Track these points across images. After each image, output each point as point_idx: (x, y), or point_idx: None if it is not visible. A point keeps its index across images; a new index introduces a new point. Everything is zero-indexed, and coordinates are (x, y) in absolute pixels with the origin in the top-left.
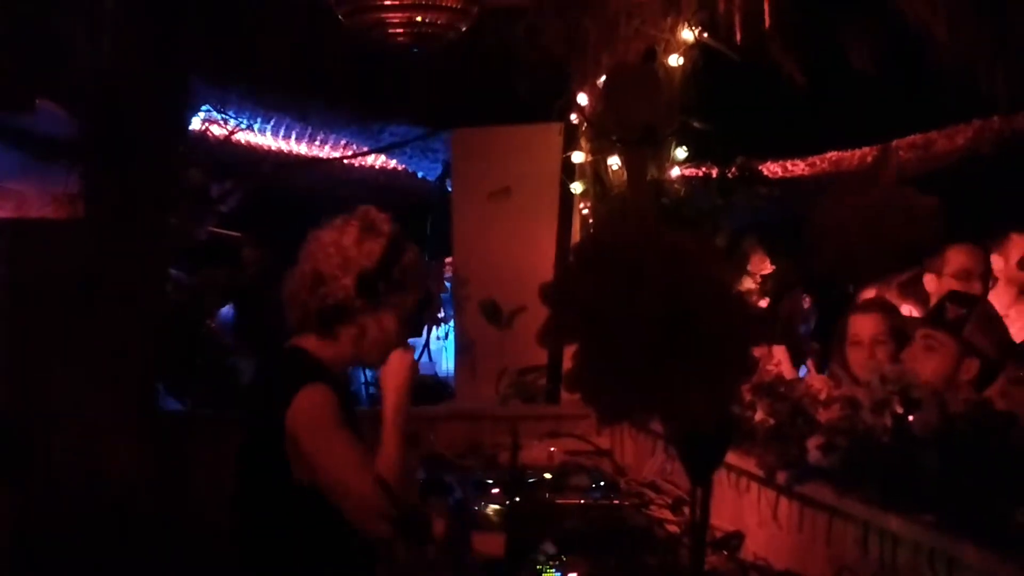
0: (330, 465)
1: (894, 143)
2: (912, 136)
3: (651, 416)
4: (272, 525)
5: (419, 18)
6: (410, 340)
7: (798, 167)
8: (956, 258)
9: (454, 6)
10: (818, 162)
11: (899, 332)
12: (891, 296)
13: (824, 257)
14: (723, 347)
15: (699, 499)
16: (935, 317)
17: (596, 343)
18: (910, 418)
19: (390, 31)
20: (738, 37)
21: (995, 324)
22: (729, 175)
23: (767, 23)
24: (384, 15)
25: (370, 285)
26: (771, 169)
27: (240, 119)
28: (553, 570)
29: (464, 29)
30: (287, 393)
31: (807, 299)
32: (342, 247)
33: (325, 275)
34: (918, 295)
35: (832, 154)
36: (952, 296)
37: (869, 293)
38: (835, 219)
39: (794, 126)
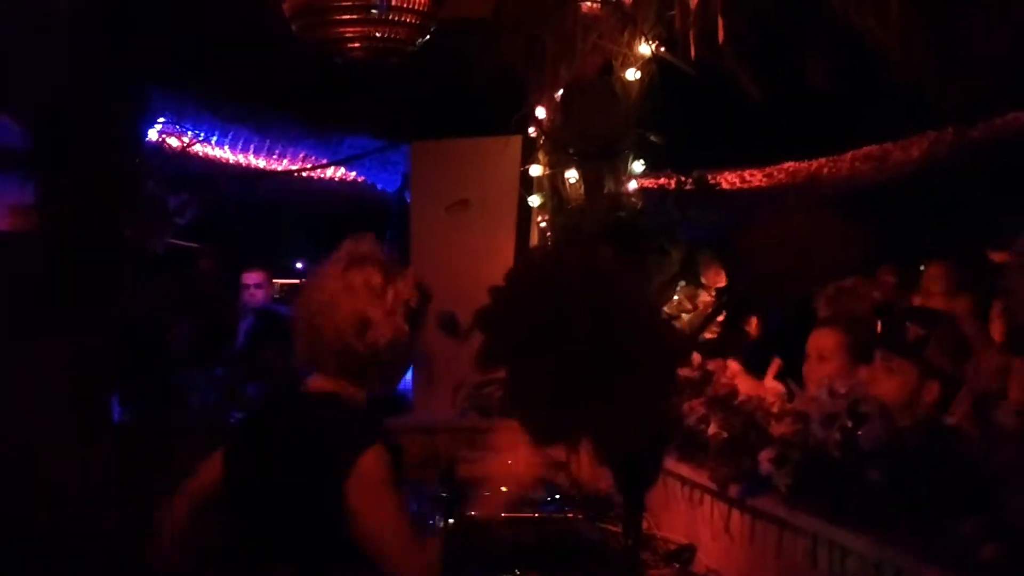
0: (384, 531)
1: (848, 154)
2: (867, 147)
3: (583, 437)
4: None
5: (376, 33)
6: None
7: (755, 177)
8: (935, 275)
9: (411, 21)
10: (775, 172)
11: (859, 348)
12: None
13: (747, 279)
14: (649, 370)
15: (633, 518)
16: (894, 338)
17: (527, 367)
18: (859, 432)
19: (347, 46)
20: (692, 52)
21: (959, 343)
22: (686, 188)
23: (721, 38)
24: (340, 29)
25: (416, 320)
26: (729, 179)
27: (197, 131)
28: None
29: (420, 43)
30: (346, 457)
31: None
32: (377, 288)
33: (372, 320)
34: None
35: (789, 164)
36: (912, 314)
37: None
38: (758, 241)
39: (751, 138)
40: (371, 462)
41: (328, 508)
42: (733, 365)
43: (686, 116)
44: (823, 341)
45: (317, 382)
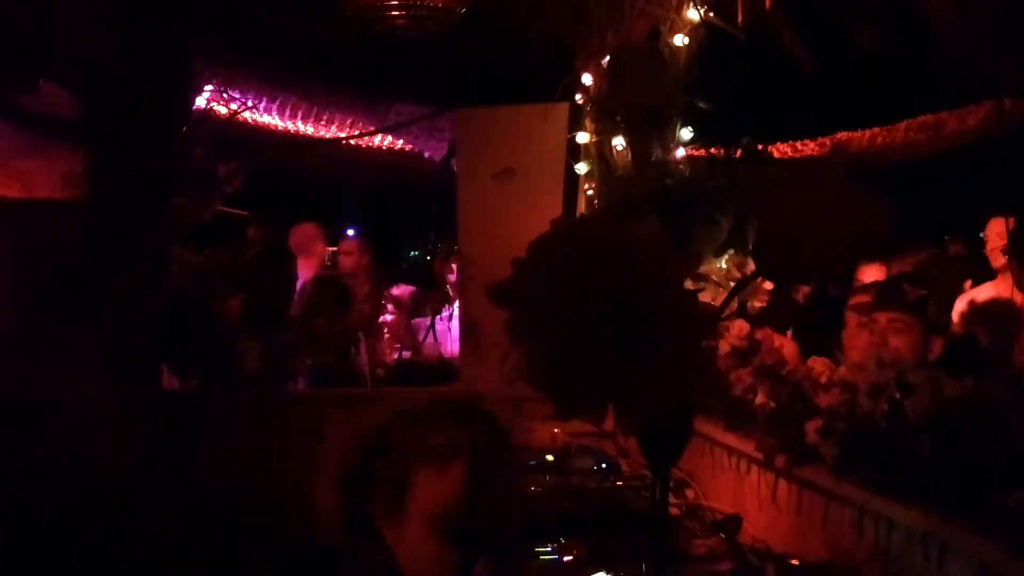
0: None
1: (903, 124)
2: (922, 117)
3: (606, 410)
4: None
5: (418, 1)
6: (415, 320)
7: (808, 147)
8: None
9: None
10: (828, 142)
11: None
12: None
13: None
14: (673, 343)
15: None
16: (897, 299)
17: (550, 340)
18: (906, 403)
19: (389, 15)
20: (740, 18)
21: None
22: (734, 155)
23: (769, 3)
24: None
25: None
26: (781, 149)
27: (244, 98)
28: (550, 552)
29: (462, 11)
30: None
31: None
32: None
33: None
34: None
35: (842, 134)
36: (907, 278)
37: (871, 276)
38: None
39: (802, 106)
40: None
41: None
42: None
43: (735, 83)
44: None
45: None
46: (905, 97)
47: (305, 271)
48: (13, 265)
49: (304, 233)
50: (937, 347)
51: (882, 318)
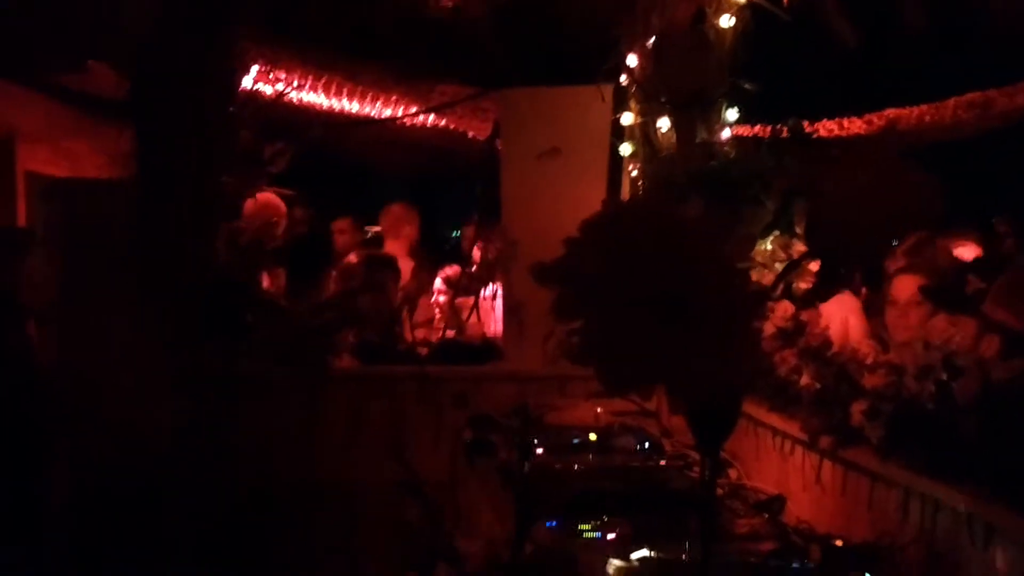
0: None
1: (951, 101)
2: (970, 94)
3: (655, 387)
4: None
5: None
6: (458, 300)
7: (855, 124)
8: None
9: None
10: (875, 119)
11: (939, 296)
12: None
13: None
14: (724, 323)
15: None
16: (953, 292)
17: (600, 318)
18: (954, 385)
19: None
20: None
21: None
22: (780, 136)
23: None
24: None
25: None
26: (827, 127)
27: (290, 79)
28: (593, 530)
29: None
30: None
31: None
32: None
33: None
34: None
35: (890, 111)
36: (972, 267)
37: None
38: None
39: (850, 84)
40: None
41: None
42: (827, 311)
43: (781, 62)
44: (904, 287)
45: None
46: (953, 74)
47: (394, 253)
48: (62, 243)
49: (392, 215)
50: (994, 344)
51: (941, 312)
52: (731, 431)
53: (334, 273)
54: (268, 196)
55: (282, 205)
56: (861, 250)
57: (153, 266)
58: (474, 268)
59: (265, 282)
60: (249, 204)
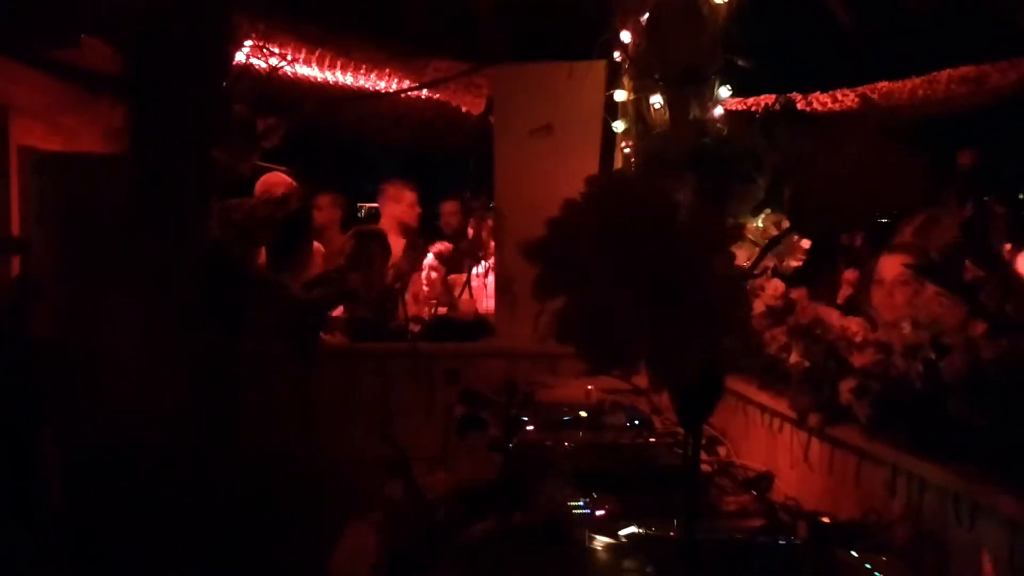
0: None
1: (945, 74)
2: (964, 68)
3: (637, 365)
4: None
5: None
6: (451, 276)
7: (848, 97)
8: None
9: None
10: (868, 92)
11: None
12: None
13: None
14: (708, 303)
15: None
16: (951, 276)
17: (581, 297)
18: (941, 364)
19: None
20: None
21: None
22: (772, 112)
23: None
24: None
25: None
26: (820, 100)
27: (284, 54)
28: (582, 506)
29: None
30: None
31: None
32: None
33: None
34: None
35: (883, 84)
36: (973, 252)
37: (904, 236)
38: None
39: (843, 57)
40: None
41: None
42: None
43: (775, 40)
44: (891, 266)
45: None
46: (947, 48)
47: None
48: (56, 219)
49: (386, 193)
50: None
51: (931, 289)
52: (713, 408)
53: (318, 247)
54: (279, 176)
55: (293, 184)
56: (839, 226)
57: (147, 241)
58: (462, 244)
59: (261, 258)
60: (260, 183)
